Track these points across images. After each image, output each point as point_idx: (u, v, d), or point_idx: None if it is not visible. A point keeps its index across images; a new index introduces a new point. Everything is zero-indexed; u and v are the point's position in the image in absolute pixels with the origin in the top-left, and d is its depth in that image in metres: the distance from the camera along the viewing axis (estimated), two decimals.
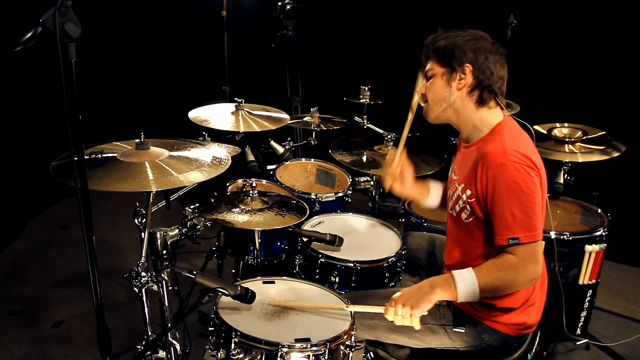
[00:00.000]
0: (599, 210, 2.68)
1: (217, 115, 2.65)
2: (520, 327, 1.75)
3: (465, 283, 1.56)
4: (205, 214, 1.96)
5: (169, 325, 1.75)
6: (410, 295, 1.59)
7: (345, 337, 1.60)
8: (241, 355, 1.53)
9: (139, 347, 1.82)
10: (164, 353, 1.78)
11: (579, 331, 2.66)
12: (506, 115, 1.72)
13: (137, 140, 1.76)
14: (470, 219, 1.69)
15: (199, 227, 1.88)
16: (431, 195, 2.05)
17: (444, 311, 1.82)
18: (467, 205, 1.68)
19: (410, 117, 1.89)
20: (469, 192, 1.67)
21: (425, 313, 1.59)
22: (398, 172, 1.96)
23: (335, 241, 2.11)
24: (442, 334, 1.80)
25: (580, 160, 2.62)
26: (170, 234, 1.68)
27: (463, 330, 1.77)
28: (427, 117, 1.79)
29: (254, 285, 1.82)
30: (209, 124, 2.54)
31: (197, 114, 2.62)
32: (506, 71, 1.71)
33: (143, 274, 1.65)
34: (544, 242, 1.60)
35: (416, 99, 1.84)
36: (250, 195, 2.15)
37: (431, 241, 2.26)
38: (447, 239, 1.90)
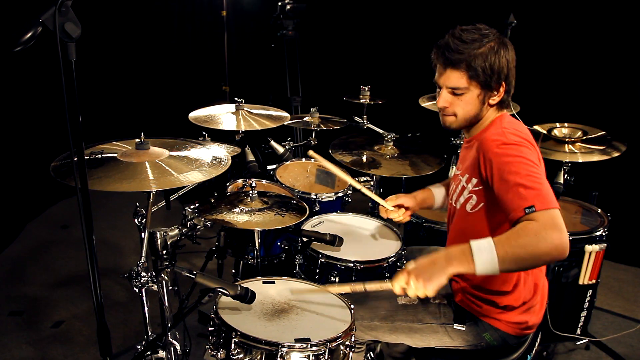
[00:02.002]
0: (599, 210, 2.68)
1: (218, 115, 2.65)
2: (521, 326, 1.75)
3: (483, 254, 1.41)
4: (205, 214, 1.96)
5: (169, 325, 1.75)
6: (425, 268, 1.47)
7: (345, 337, 1.60)
8: (241, 355, 1.54)
9: (139, 347, 1.83)
10: (164, 353, 1.78)
11: (579, 331, 2.66)
12: (508, 113, 1.75)
13: (137, 140, 1.76)
14: (476, 209, 1.68)
15: (199, 227, 1.88)
16: (436, 199, 2.11)
17: (445, 310, 1.82)
18: (474, 195, 1.68)
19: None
20: (474, 180, 1.67)
21: (439, 288, 1.46)
22: (403, 213, 2.09)
23: (335, 241, 2.11)
24: (442, 333, 1.80)
25: (580, 160, 2.62)
26: (170, 234, 1.68)
27: (464, 328, 1.77)
28: (448, 126, 1.76)
29: (254, 285, 1.82)
30: (209, 124, 2.54)
31: (197, 114, 2.63)
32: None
33: (143, 274, 1.65)
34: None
35: (359, 186, 2.03)
36: (250, 195, 2.15)
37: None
38: (449, 235, 1.89)
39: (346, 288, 1.65)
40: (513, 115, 1.77)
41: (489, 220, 1.66)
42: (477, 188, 1.66)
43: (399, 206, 2.10)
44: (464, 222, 1.75)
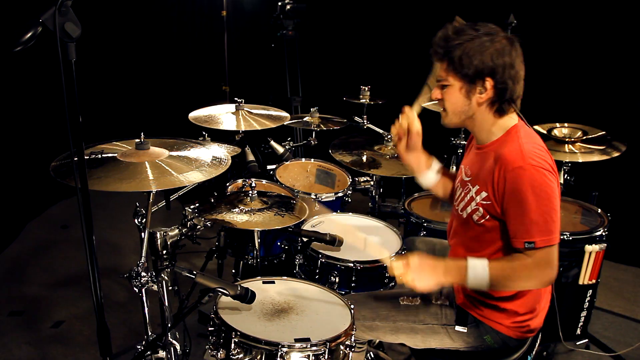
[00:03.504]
0: (599, 210, 2.68)
1: (218, 115, 2.65)
2: (523, 329, 1.75)
3: (477, 276, 1.57)
4: (205, 214, 1.96)
5: (169, 325, 1.75)
6: (425, 271, 1.60)
7: (345, 337, 1.60)
8: (241, 355, 1.54)
9: (139, 347, 1.83)
10: (164, 353, 1.78)
11: (579, 331, 2.66)
12: (519, 118, 1.70)
13: (137, 140, 1.76)
14: (482, 221, 1.67)
15: (199, 227, 1.88)
16: (429, 173, 1.98)
17: (446, 311, 1.81)
18: (481, 208, 1.66)
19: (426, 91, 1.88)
20: (484, 194, 1.65)
21: (426, 291, 1.63)
22: (405, 128, 1.87)
23: (335, 241, 2.11)
24: (443, 334, 1.79)
25: (580, 160, 2.62)
26: (170, 234, 1.68)
27: (465, 330, 1.77)
28: (444, 123, 1.75)
29: (254, 285, 1.82)
30: (209, 124, 2.54)
31: (197, 114, 2.63)
32: (523, 67, 1.65)
33: (143, 274, 1.65)
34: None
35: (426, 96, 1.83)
36: (250, 195, 2.15)
37: (431, 246, 2.25)
38: (451, 238, 1.88)
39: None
40: (522, 119, 1.71)
41: (494, 233, 1.66)
42: (486, 202, 1.65)
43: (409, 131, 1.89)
44: (469, 231, 1.75)
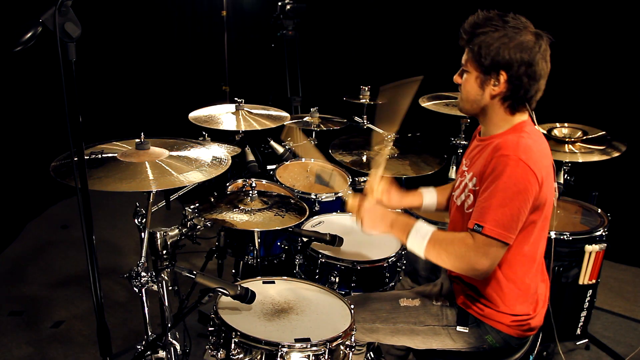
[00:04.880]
0: (599, 210, 2.68)
1: (218, 115, 2.65)
2: (523, 328, 1.75)
3: (417, 237, 1.61)
4: (205, 214, 1.96)
5: (169, 325, 1.75)
6: (374, 216, 1.70)
7: (345, 337, 1.60)
8: (241, 355, 1.54)
9: (139, 347, 1.82)
10: (164, 353, 1.78)
11: (579, 331, 2.66)
12: (530, 117, 1.68)
13: (137, 140, 1.76)
14: (471, 210, 1.65)
15: (199, 227, 1.88)
16: (425, 202, 2.06)
17: (447, 311, 1.81)
18: (471, 194, 1.66)
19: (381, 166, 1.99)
20: (475, 180, 1.65)
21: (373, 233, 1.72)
22: (380, 193, 1.99)
23: (335, 241, 2.11)
24: (444, 335, 1.79)
25: (580, 160, 2.62)
26: (170, 234, 1.68)
27: (467, 330, 1.76)
28: (458, 107, 1.78)
29: (254, 285, 1.82)
30: (209, 124, 2.54)
31: (197, 115, 2.63)
32: (549, 65, 1.63)
33: (143, 274, 1.65)
34: (504, 249, 1.55)
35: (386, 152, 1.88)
36: (250, 195, 2.15)
37: None
38: (448, 229, 1.88)
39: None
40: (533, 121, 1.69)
41: None
42: (475, 188, 1.64)
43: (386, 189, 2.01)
44: (463, 219, 1.74)
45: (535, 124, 1.69)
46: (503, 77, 1.58)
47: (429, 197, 2.06)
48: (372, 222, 1.70)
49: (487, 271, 1.54)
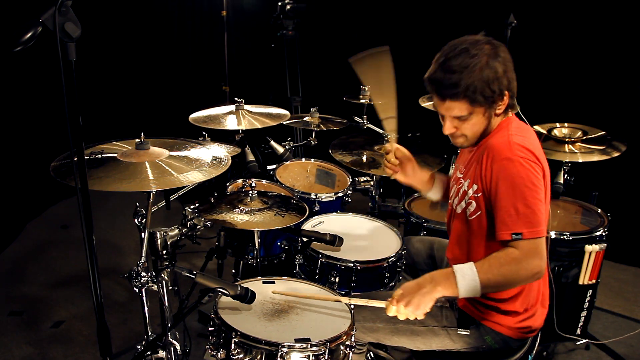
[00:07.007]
0: (599, 210, 2.68)
1: (217, 115, 2.65)
2: (523, 330, 1.75)
3: (466, 280, 1.52)
4: (205, 214, 1.96)
5: (169, 325, 1.75)
6: (412, 294, 1.55)
7: (345, 337, 1.60)
8: (241, 355, 1.54)
9: (139, 347, 1.83)
10: (164, 353, 1.78)
11: (579, 331, 2.66)
12: (513, 113, 1.73)
13: (137, 140, 1.76)
14: (476, 215, 1.68)
15: (199, 227, 1.88)
16: (435, 187, 2.04)
17: (447, 313, 1.81)
18: (473, 201, 1.67)
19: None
20: (475, 187, 1.66)
21: (428, 310, 1.56)
22: (397, 163, 1.96)
23: (335, 241, 2.11)
24: (443, 336, 1.79)
25: (580, 160, 2.62)
26: (170, 234, 1.68)
27: (468, 333, 1.77)
28: (461, 146, 1.76)
29: (254, 285, 1.82)
30: (209, 124, 2.54)
31: (197, 116, 2.63)
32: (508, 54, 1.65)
33: (143, 274, 1.65)
34: (546, 238, 1.57)
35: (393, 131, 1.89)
36: (250, 195, 2.15)
37: (430, 245, 2.25)
38: (450, 236, 1.89)
39: (344, 299, 1.72)
40: (518, 115, 1.75)
41: (488, 227, 1.66)
42: (477, 195, 1.66)
43: (401, 161, 1.98)
44: (465, 226, 1.75)
45: (522, 117, 1.73)
46: (507, 95, 1.63)
47: (438, 186, 2.05)
48: (418, 303, 1.54)
49: (544, 268, 1.55)
